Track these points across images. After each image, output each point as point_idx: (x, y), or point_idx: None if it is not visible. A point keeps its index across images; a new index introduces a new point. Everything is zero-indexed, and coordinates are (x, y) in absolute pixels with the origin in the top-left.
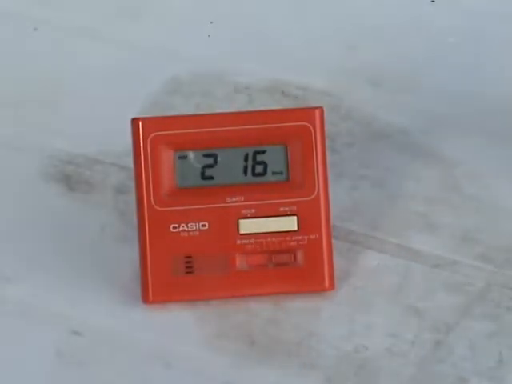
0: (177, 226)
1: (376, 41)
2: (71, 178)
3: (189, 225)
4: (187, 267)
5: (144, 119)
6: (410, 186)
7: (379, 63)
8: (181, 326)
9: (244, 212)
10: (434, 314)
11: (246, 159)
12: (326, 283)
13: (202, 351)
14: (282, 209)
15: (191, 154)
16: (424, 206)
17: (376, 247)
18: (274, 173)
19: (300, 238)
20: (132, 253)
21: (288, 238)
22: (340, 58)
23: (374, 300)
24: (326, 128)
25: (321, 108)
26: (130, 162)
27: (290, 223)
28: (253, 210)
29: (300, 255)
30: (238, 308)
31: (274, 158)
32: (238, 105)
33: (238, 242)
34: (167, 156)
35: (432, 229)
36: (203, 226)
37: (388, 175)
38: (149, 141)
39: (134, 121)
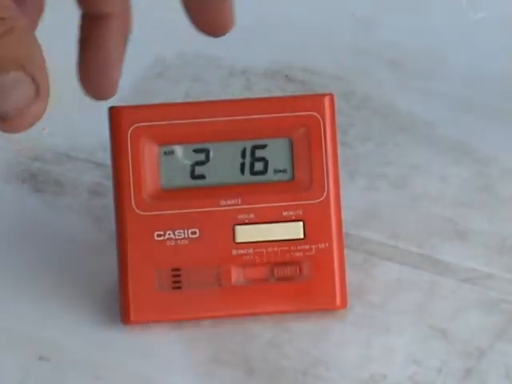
0: (162, 233)
1: (395, 15)
2: (37, 177)
3: (176, 232)
4: (174, 282)
5: (123, 108)
6: (435, 187)
7: (399, 42)
8: (166, 350)
9: (241, 217)
10: (465, 336)
11: (243, 155)
12: (338, 300)
13: (190, 380)
14: (285, 213)
15: (179, 149)
16: (452, 210)
17: (396, 258)
18: (276, 171)
19: (307, 247)
20: (109, 265)
21: (293, 248)
22: (353, 36)
23: (394, 320)
24: (337, 118)
25: (331, 95)
26: (106, 158)
27: (294, 230)
28: (251, 215)
29: (307, 268)
30: (233, 329)
31: (276, 153)
32: (234, 91)
33: (234, 252)
34: (151, 151)
35: (462, 237)
36: (193, 233)
37: (410, 174)
38: (129, 133)
39: (112, 110)
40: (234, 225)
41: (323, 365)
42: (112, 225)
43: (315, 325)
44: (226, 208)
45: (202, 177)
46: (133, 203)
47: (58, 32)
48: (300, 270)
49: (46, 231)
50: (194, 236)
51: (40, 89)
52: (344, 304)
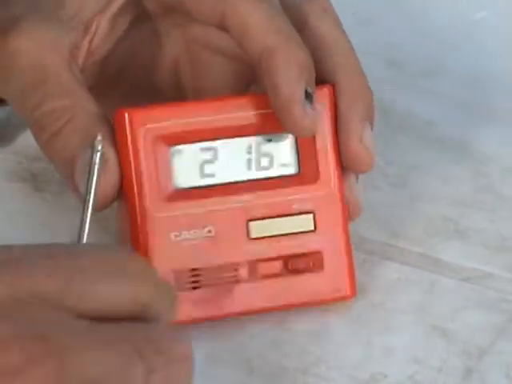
0: (178, 234)
1: (395, 15)
2: (39, 176)
3: (192, 232)
4: (193, 282)
5: (131, 110)
6: (435, 187)
7: (398, 40)
8: None
9: (253, 213)
10: (465, 335)
11: (249, 151)
12: (347, 289)
13: None
14: (295, 206)
15: (187, 149)
16: (452, 210)
17: (396, 258)
18: (281, 165)
19: (318, 238)
20: None
21: (306, 240)
22: (351, 34)
23: (394, 319)
24: None
25: (331, 85)
26: None
27: (305, 222)
28: (263, 210)
29: (318, 259)
30: (233, 329)
31: (280, 147)
32: None
33: (250, 247)
34: (161, 152)
35: (462, 236)
36: (208, 231)
37: (410, 173)
38: (138, 135)
39: (120, 112)
40: (248, 221)
41: (324, 364)
42: (113, 224)
43: (315, 324)
44: (238, 205)
45: (212, 175)
46: (149, 206)
47: None
48: (313, 262)
49: (47, 231)
50: (210, 235)
51: (108, 162)
52: (354, 292)
